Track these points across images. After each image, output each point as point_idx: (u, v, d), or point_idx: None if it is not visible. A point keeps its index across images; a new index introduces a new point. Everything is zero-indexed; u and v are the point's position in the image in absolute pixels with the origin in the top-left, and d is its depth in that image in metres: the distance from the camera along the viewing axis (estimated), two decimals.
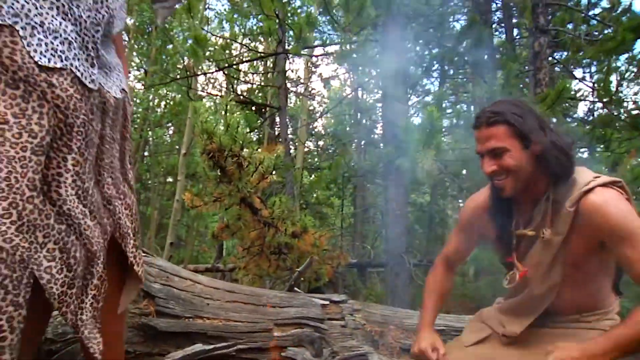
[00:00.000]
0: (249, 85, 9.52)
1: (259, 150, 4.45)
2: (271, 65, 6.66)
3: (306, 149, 15.36)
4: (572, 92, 7.28)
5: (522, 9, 5.69)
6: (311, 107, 17.88)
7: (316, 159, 19.03)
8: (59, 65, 1.13)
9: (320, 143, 19.01)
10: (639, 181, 4.08)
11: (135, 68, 17.56)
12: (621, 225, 1.67)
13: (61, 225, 1.13)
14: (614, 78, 7.23)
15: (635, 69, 6.01)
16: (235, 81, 7.15)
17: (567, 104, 8.39)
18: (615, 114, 5.34)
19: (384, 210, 6.90)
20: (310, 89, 12.29)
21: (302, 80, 13.01)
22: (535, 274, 1.85)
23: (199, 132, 3.33)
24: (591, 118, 6.98)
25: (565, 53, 6.82)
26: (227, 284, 2.66)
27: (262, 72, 7.30)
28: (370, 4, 4.30)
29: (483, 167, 1.83)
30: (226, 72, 6.50)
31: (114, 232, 1.31)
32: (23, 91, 1.07)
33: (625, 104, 5.61)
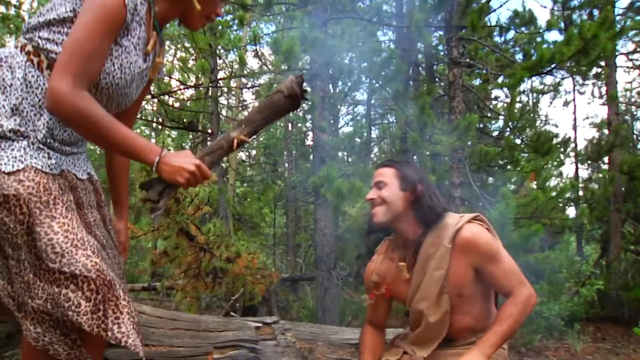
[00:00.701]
0: (183, 109, 9.69)
1: None
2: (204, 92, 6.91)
3: (238, 157, 15.62)
4: (490, 107, 7.95)
5: (440, 41, 6.23)
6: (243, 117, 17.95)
7: (248, 169, 19.18)
8: (21, 167, 1.49)
9: (253, 152, 19.18)
10: (536, 202, 4.62)
11: None
12: (487, 249, 2.15)
13: (66, 275, 1.46)
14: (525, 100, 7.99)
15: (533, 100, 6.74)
16: (169, 107, 7.33)
17: (487, 117, 9.08)
18: (523, 136, 5.95)
19: (314, 228, 7.22)
20: (240, 111, 12.55)
21: (234, 103, 13.23)
22: (428, 305, 2.24)
23: (138, 169, 3.56)
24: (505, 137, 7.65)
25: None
26: (169, 313, 2.89)
27: (195, 97, 7.50)
28: (299, 47, 4.65)
29: (367, 195, 2.30)
30: (160, 99, 6.66)
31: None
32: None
33: (529, 129, 6.23)
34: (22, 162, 1.51)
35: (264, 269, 5.87)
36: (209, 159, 1.74)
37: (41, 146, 1.57)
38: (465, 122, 4.39)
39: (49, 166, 1.56)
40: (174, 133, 14.15)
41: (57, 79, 1.49)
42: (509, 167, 6.67)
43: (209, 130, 7.48)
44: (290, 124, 17.25)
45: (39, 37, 1.61)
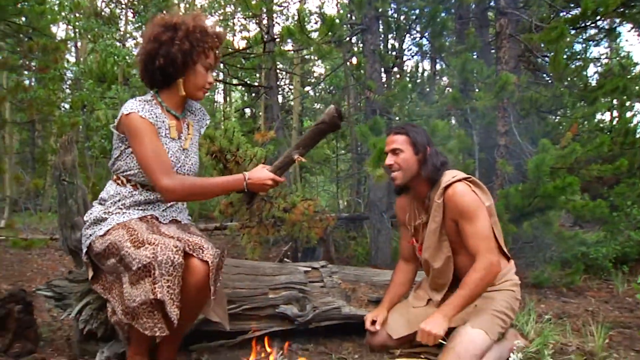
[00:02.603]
0: (244, 67, 10.23)
1: (255, 134, 5.24)
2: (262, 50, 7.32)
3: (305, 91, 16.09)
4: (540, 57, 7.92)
5: None
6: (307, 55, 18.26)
7: (316, 104, 19.58)
8: (109, 228, 2.36)
9: (321, 85, 19.48)
10: (573, 155, 4.82)
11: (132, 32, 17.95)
12: (463, 207, 2.52)
13: (140, 269, 2.15)
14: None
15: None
16: (231, 67, 7.86)
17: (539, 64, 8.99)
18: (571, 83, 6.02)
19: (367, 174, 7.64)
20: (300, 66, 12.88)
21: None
22: (431, 253, 2.69)
23: (202, 137, 4.13)
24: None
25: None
26: (233, 261, 3.45)
27: (254, 54, 7.96)
28: (340, 20, 4.93)
29: (385, 162, 2.69)
30: (223, 61, 7.19)
31: (185, 247, 2.22)
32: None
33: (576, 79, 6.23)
34: (109, 225, 2.36)
35: (321, 213, 6.44)
36: (280, 172, 2.46)
37: (123, 210, 2.42)
38: (500, 84, 4.60)
39: (127, 219, 2.39)
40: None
41: (157, 182, 2.28)
42: (559, 113, 6.78)
43: (270, 85, 8.02)
44: (355, 59, 17.27)
45: (116, 169, 2.51)
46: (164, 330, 2.12)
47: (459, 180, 2.57)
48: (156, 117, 2.44)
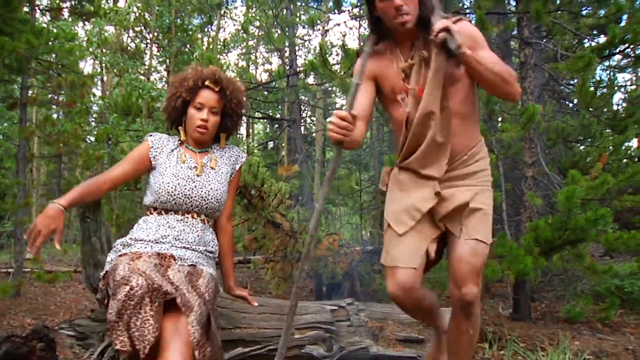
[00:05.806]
0: (267, 101, 10.33)
1: (279, 167, 5.23)
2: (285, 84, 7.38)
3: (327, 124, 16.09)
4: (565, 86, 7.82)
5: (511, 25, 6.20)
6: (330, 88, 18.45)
7: None
8: (127, 251, 2.49)
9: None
10: (604, 186, 4.68)
11: (157, 66, 18.34)
12: (478, 35, 2.43)
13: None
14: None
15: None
16: (254, 101, 7.94)
17: (565, 93, 8.89)
18: (594, 115, 5.91)
19: None
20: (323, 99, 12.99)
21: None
22: (434, 97, 2.41)
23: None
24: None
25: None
26: (257, 299, 3.42)
27: (277, 88, 8.02)
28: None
29: (394, 4, 2.42)
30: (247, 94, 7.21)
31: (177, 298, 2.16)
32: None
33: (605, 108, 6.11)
34: (131, 251, 2.47)
35: (346, 246, 6.37)
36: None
37: (147, 242, 2.56)
38: (527, 116, 4.52)
39: (148, 250, 2.51)
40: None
41: None
42: (587, 142, 6.65)
43: (294, 118, 8.06)
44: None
45: (144, 203, 2.76)
46: (125, 345, 2.02)
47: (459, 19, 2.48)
48: (167, 145, 2.80)
